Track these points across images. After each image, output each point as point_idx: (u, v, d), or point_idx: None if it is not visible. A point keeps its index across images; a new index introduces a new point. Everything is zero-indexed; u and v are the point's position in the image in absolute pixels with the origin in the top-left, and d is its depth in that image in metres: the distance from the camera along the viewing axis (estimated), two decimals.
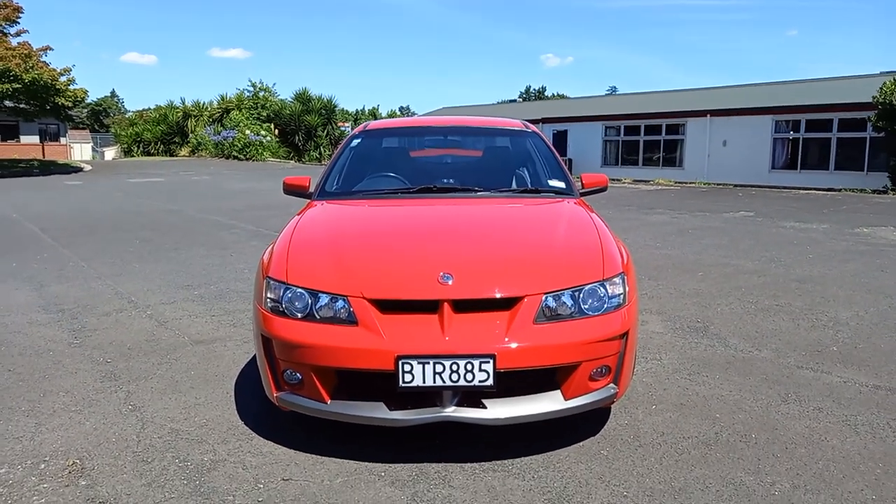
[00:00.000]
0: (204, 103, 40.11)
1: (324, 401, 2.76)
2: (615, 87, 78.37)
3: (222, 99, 39.41)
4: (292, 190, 4.28)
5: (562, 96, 73.01)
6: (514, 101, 70.46)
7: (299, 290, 2.84)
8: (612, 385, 2.90)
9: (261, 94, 39.50)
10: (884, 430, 3.10)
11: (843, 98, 18.88)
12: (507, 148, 4.68)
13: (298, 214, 3.69)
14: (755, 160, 20.80)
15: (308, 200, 4.07)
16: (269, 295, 2.91)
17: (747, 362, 4.04)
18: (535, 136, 4.63)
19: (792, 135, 20.61)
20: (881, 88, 16.17)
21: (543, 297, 2.77)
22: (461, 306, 2.72)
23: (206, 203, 13.98)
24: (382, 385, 2.73)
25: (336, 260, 2.96)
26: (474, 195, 3.91)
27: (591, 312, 2.82)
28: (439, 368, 2.60)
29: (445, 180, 4.17)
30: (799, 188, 19.09)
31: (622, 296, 2.93)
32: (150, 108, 44.80)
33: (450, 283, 2.74)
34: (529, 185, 4.17)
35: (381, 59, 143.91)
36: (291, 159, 36.45)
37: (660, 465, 2.76)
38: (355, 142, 4.55)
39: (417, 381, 2.61)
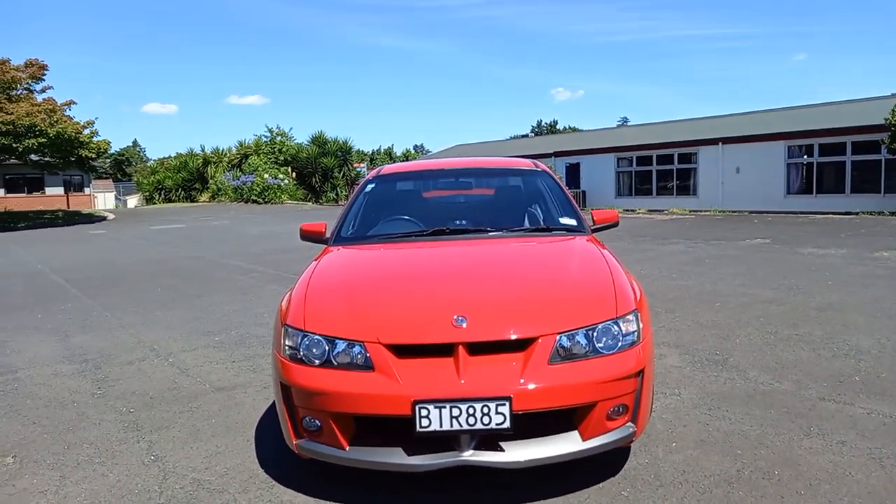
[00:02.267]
0: (223, 149, 40.96)
1: (342, 447, 2.79)
2: (626, 119, 78.89)
3: (241, 145, 40.20)
4: (309, 236, 4.37)
5: (573, 129, 73.57)
6: (526, 136, 71.04)
7: (316, 336, 2.89)
8: (629, 424, 2.90)
9: (278, 138, 40.25)
10: None
11: (856, 121, 18.83)
12: (519, 187, 4.74)
13: (315, 260, 3.76)
14: (770, 186, 20.71)
15: (324, 246, 4.15)
16: (287, 342, 2.97)
17: (768, 395, 4.00)
18: (545, 174, 4.70)
19: (806, 159, 20.54)
20: (893, 110, 16.13)
21: (557, 338, 2.79)
22: (476, 349, 2.75)
23: (226, 248, 14.18)
24: (400, 430, 2.75)
25: (352, 306, 3.01)
26: (486, 236, 3.97)
27: (605, 351, 2.84)
28: (456, 412, 2.62)
29: (458, 222, 4.23)
30: (816, 213, 18.96)
31: (636, 333, 2.94)
32: (170, 156, 45.85)
33: (464, 325, 2.77)
34: (541, 224, 4.22)
35: (394, 101, 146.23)
36: (309, 201, 36.91)
37: None
38: (369, 186, 4.64)
39: (434, 426, 2.62)
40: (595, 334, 2.85)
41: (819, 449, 3.23)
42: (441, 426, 2.62)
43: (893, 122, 15.94)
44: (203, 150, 41.39)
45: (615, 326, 2.90)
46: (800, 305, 6.47)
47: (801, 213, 19.31)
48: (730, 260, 9.85)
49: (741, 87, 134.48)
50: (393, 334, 2.81)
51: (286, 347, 2.96)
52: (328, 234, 4.27)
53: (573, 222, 4.20)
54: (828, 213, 18.47)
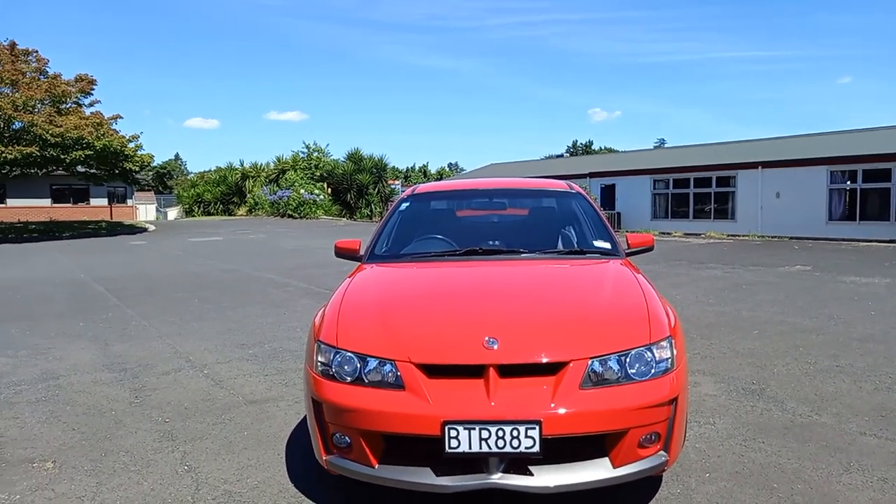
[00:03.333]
0: (261, 164, 41.76)
1: (371, 465, 2.80)
2: (663, 140, 78.22)
3: (278, 160, 40.95)
4: (343, 253, 4.43)
5: (609, 150, 73.23)
6: (561, 156, 70.90)
7: (349, 353, 2.92)
8: (662, 452, 2.85)
9: (315, 154, 40.90)
10: None
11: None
12: (553, 209, 4.75)
13: (349, 277, 3.81)
14: (811, 212, 20.29)
15: (358, 263, 4.20)
16: (319, 359, 3.00)
17: (806, 428, 3.90)
18: (579, 196, 4.69)
19: (849, 185, 20.09)
20: None
21: (589, 362, 2.77)
22: (507, 371, 2.75)
23: (261, 262, 14.40)
24: (429, 450, 2.75)
25: (384, 324, 3.04)
26: (519, 257, 3.97)
27: (638, 378, 2.81)
28: (485, 434, 2.62)
29: (491, 242, 4.25)
30: (858, 240, 18.49)
31: (670, 360, 2.91)
32: (210, 170, 46.89)
33: (495, 347, 2.78)
34: (575, 247, 4.21)
35: (430, 119, 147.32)
36: (343, 216, 37.34)
37: None
38: (404, 205, 4.69)
39: (464, 447, 2.63)
40: (628, 360, 2.83)
41: (859, 485, 3.14)
42: (470, 448, 2.62)
43: None
44: (242, 165, 42.27)
45: (648, 353, 2.87)
46: (841, 335, 6.30)
47: (843, 240, 18.85)
48: (768, 286, 9.65)
49: (782, 111, 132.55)
50: (424, 354, 2.82)
51: (318, 363, 3.00)
52: (362, 252, 4.32)
53: (607, 245, 4.18)
54: (871, 241, 17.98)
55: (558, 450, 2.74)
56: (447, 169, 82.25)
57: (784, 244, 18.17)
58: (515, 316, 3.08)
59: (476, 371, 2.76)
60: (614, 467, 2.75)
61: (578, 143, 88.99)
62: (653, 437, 2.83)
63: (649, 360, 2.86)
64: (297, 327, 7.05)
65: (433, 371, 2.78)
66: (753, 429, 3.89)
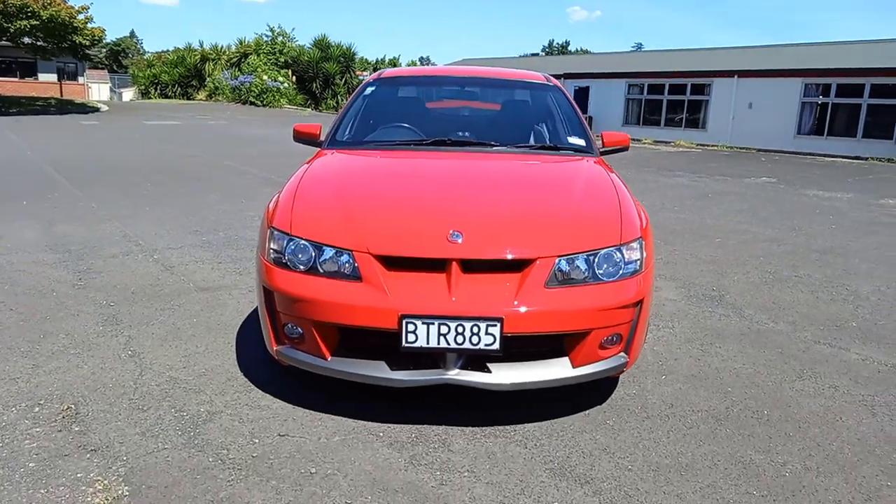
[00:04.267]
0: (222, 47, 39.64)
1: (324, 357, 2.69)
2: (641, 44, 76.49)
3: (240, 43, 38.87)
4: (303, 138, 4.14)
5: (586, 51, 71.39)
6: (537, 54, 68.96)
7: (303, 242, 2.74)
8: (622, 354, 2.80)
9: (279, 39, 38.87)
10: None
11: (877, 62, 18.19)
12: (527, 102, 4.49)
13: (307, 163, 3.57)
14: (781, 124, 20.23)
15: (318, 149, 3.95)
16: (272, 246, 2.82)
17: (762, 335, 3.92)
18: (556, 90, 4.44)
19: (821, 99, 19.96)
20: None
21: (556, 261, 2.65)
22: (470, 266, 2.61)
23: (221, 149, 13.85)
24: (385, 344, 2.64)
25: (342, 212, 2.85)
26: (490, 150, 3.76)
27: (605, 278, 2.71)
28: (444, 330, 2.51)
29: (461, 133, 4.01)
30: (824, 155, 18.62)
31: (639, 262, 2.81)
32: (168, 51, 44.32)
33: (459, 241, 2.62)
34: (548, 142, 4.01)
35: (401, 7, 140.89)
36: (308, 107, 36.09)
37: (667, 439, 2.68)
38: (369, 89, 4.38)
39: (421, 342, 2.52)
40: (596, 260, 2.71)
41: (811, 392, 3.16)
42: (428, 343, 2.52)
43: None
44: (202, 47, 40.04)
45: (617, 253, 2.76)
46: (801, 247, 6.34)
47: (810, 154, 18.96)
48: (734, 197, 9.66)
49: (759, 16, 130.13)
50: (384, 245, 2.66)
51: (271, 251, 2.82)
52: (323, 137, 4.05)
53: (581, 142, 3.98)
54: (836, 157, 18.13)
55: (518, 348, 2.65)
56: (418, 62, 79.51)
57: (752, 156, 18.21)
58: (482, 210, 2.91)
59: (438, 265, 2.62)
60: (574, 367, 2.70)
61: (555, 43, 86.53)
62: (614, 339, 2.77)
63: (618, 260, 2.75)
64: (255, 217, 6.80)
65: (392, 263, 2.63)
66: (711, 334, 3.89)
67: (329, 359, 2.69)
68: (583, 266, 2.69)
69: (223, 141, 15.65)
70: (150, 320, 3.78)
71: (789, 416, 2.91)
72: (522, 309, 2.54)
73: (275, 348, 2.82)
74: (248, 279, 4.62)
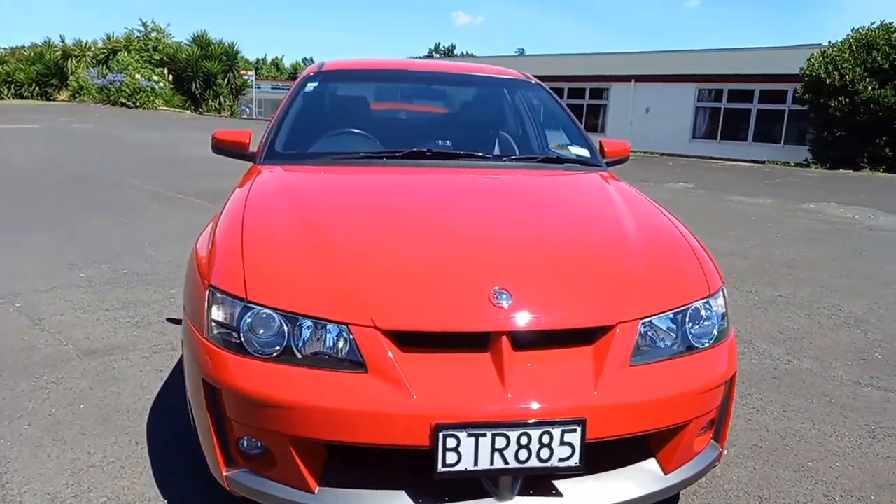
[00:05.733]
0: (87, 42, 36.18)
1: (308, 489, 1.75)
2: (523, 50, 77.98)
3: (108, 38, 35.58)
4: (226, 148, 3.13)
5: (471, 55, 71.91)
6: (422, 58, 68.65)
7: (267, 311, 1.80)
8: (713, 443, 2.07)
9: (153, 35, 35.96)
10: None
11: (766, 69, 18.98)
12: (509, 103, 3.69)
13: (241, 186, 2.59)
14: (677, 128, 20.74)
15: (250, 164, 2.97)
16: (215, 317, 1.85)
17: (796, 377, 3.35)
18: (540, 89, 3.67)
19: (714, 104, 20.65)
20: (809, 61, 16.22)
21: (640, 324, 1.87)
22: (522, 340, 1.78)
23: (93, 156, 12.08)
24: (404, 463, 1.76)
25: (323, 264, 1.92)
26: (482, 164, 2.94)
27: (698, 345, 1.95)
28: (500, 443, 1.66)
29: (440, 142, 3.16)
30: (719, 158, 19.14)
31: (726, 318, 2.09)
32: (24, 46, 39.97)
33: (507, 304, 1.78)
34: (545, 151, 3.25)
35: (284, 11, 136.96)
36: (188, 109, 33.55)
37: None
38: (311, 86, 3.41)
39: (466, 464, 1.66)
40: (686, 320, 1.96)
41: None
42: (476, 464, 1.66)
43: (808, 72, 16.03)
44: (63, 42, 36.40)
45: (706, 309, 2.02)
46: (764, 261, 5.96)
47: (706, 157, 19.46)
48: (667, 206, 9.32)
49: (638, 29, 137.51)
50: (397, 314, 1.77)
51: (213, 325, 1.85)
52: (255, 148, 3.07)
53: (586, 153, 3.24)
54: (732, 160, 18.71)
55: (595, 453, 1.84)
56: (302, 64, 77.11)
57: (657, 160, 18.39)
58: (525, 256, 2.07)
59: (477, 341, 1.76)
60: (666, 472, 1.92)
61: (441, 47, 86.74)
62: (707, 426, 2.02)
63: (710, 318, 2.01)
64: (143, 241, 5.57)
65: (410, 341, 1.75)
66: (741, 380, 3.25)
67: (317, 491, 1.76)
68: (672, 329, 1.93)
69: (95, 148, 13.76)
70: (15, 412, 2.64)
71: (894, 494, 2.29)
72: (609, 401, 1.74)
73: (224, 473, 1.85)
74: (148, 333, 3.52)
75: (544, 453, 1.68)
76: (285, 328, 1.78)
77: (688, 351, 1.93)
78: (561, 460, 1.69)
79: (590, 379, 1.76)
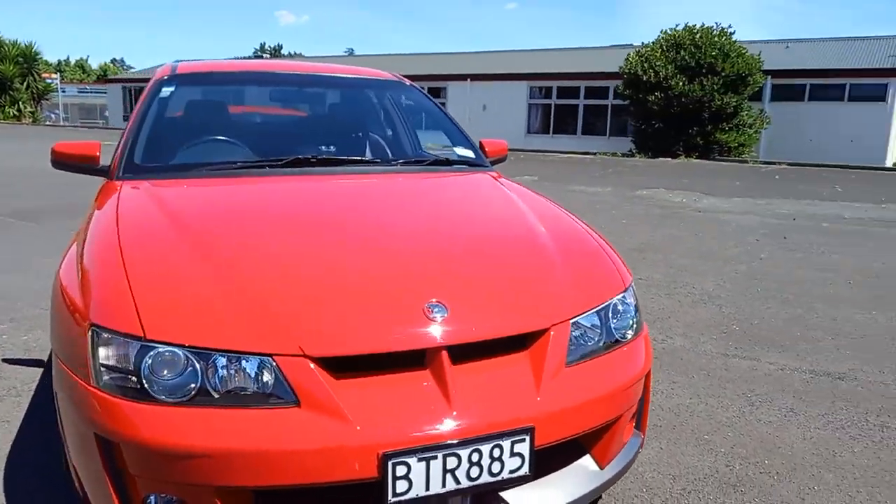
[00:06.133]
0: None
1: None
2: (352, 50, 77.62)
3: None
4: (69, 162, 2.74)
5: (300, 55, 70.30)
6: (250, 58, 66.12)
7: (171, 349, 1.57)
8: (636, 431, 2.12)
9: None
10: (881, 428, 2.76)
11: (589, 67, 20.36)
12: (384, 104, 3.58)
13: (101, 207, 2.28)
14: (513, 125, 21.66)
15: (106, 180, 2.62)
16: (104, 360, 1.59)
17: (673, 355, 3.57)
18: (413, 90, 3.60)
19: (545, 101, 21.83)
20: (627, 59, 17.63)
21: (571, 325, 1.86)
22: (459, 353, 1.70)
23: None
24: (343, 499, 1.62)
25: (227, 289, 1.71)
26: (371, 169, 2.82)
27: (622, 339, 1.99)
28: (452, 463, 1.58)
29: (324, 148, 2.99)
30: (553, 151, 20.31)
31: (639, 311, 2.15)
32: None
33: (443, 316, 1.69)
34: (438, 155, 3.18)
35: (89, 9, 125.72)
36: None
37: None
38: (166, 91, 3.07)
39: (417, 490, 1.56)
40: (609, 316, 1.98)
41: (777, 422, 2.81)
42: (428, 488, 1.57)
43: (626, 70, 17.41)
44: None
45: (624, 303, 2.06)
46: (618, 245, 6.28)
47: (541, 151, 20.53)
48: None
49: (462, 29, 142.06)
50: (328, 339, 1.62)
51: (102, 370, 1.58)
52: (108, 161, 2.72)
53: (471, 154, 3.22)
54: (565, 153, 19.86)
55: (536, 458, 1.80)
56: (111, 65, 71.14)
57: None
58: (450, 265, 1.99)
59: (413, 359, 1.66)
60: (602, 466, 1.93)
61: (267, 47, 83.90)
62: (632, 416, 2.07)
63: (626, 312, 2.05)
64: None
65: (342, 367, 1.61)
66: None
67: None
68: (597, 326, 1.94)
69: None
70: None
71: (789, 461, 2.49)
72: (553, 406, 1.72)
73: None
74: None
75: (495, 467, 1.63)
76: (197, 366, 1.56)
77: (614, 345, 1.95)
78: (511, 472, 1.65)
79: (531, 385, 1.72)
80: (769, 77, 17.84)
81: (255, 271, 1.79)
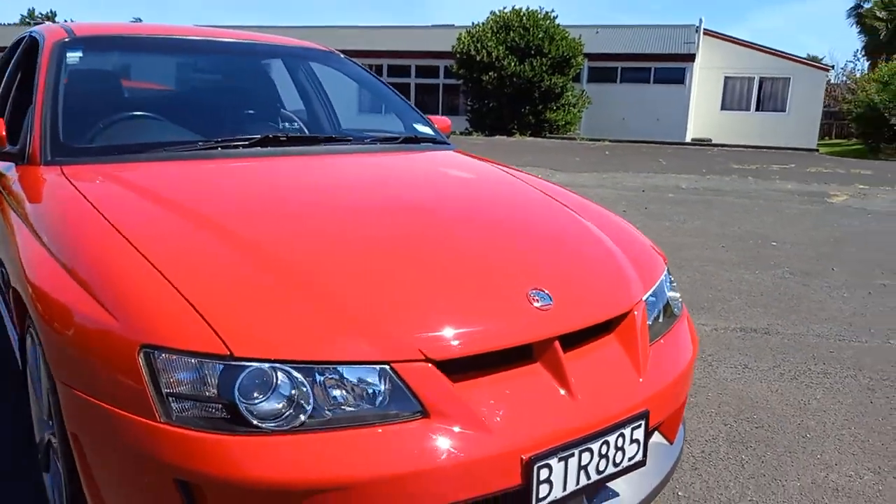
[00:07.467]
0: None
1: None
2: (140, 18, 71.29)
3: None
4: None
5: (72, 21, 62.85)
6: (16, 26, 58.25)
7: (268, 366, 1.29)
8: None
9: None
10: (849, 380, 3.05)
11: (420, 46, 20.43)
12: (320, 76, 3.29)
13: (38, 201, 1.85)
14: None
15: (12, 166, 2.14)
16: (172, 389, 1.28)
17: None
18: (347, 62, 3.34)
19: (404, 79, 21.57)
20: (459, 39, 17.92)
21: (645, 303, 1.83)
22: (566, 342, 1.59)
23: None
24: None
25: (305, 287, 1.45)
26: (344, 149, 2.58)
27: (677, 312, 2.01)
28: (586, 459, 1.49)
29: (288, 125, 2.66)
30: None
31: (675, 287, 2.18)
32: None
33: (548, 305, 1.57)
34: (403, 131, 2.97)
35: None
36: None
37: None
38: (73, 57, 2.53)
39: (556, 493, 1.45)
40: (664, 292, 1.99)
41: (741, 378, 3.01)
42: (565, 488, 1.46)
43: (459, 49, 17.71)
44: None
45: (670, 279, 2.08)
46: None
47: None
48: None
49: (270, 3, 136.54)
50: (446, 340, 1.42)
51: (171, 400, 1.27)
52: (18, 144, 2.20)
53: (429, 131, 3.05)
54: None
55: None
56: None
57: None
58: (530, 250, 1.86)
59: (521, 352, 1.52)
60: (671, 442, 1.93)
61: (38, 13, 74.03)
62: None
63: (671, 289, 2.07)
64: None
65: (458, 368, 1.43)
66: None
67: None
68: (655, 304, 1.93)
69: None
70: None
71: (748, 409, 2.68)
72: (655, 386, 1.67)
73: None
74: None
75: (618, 457, 1.56)
76: (301, 383, 1.30)
77: (673, 319, 1.95)
78: (629, 459, 1.59)
79: (630, 368, 1.67)
80: (586, 59, 19.15)
81: (323, 268, 1.53)
